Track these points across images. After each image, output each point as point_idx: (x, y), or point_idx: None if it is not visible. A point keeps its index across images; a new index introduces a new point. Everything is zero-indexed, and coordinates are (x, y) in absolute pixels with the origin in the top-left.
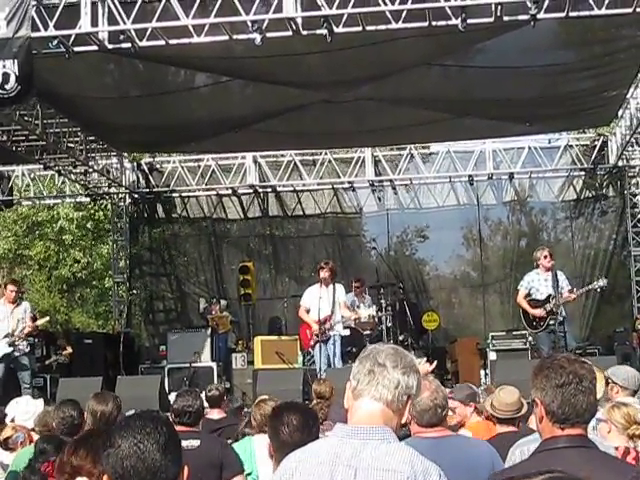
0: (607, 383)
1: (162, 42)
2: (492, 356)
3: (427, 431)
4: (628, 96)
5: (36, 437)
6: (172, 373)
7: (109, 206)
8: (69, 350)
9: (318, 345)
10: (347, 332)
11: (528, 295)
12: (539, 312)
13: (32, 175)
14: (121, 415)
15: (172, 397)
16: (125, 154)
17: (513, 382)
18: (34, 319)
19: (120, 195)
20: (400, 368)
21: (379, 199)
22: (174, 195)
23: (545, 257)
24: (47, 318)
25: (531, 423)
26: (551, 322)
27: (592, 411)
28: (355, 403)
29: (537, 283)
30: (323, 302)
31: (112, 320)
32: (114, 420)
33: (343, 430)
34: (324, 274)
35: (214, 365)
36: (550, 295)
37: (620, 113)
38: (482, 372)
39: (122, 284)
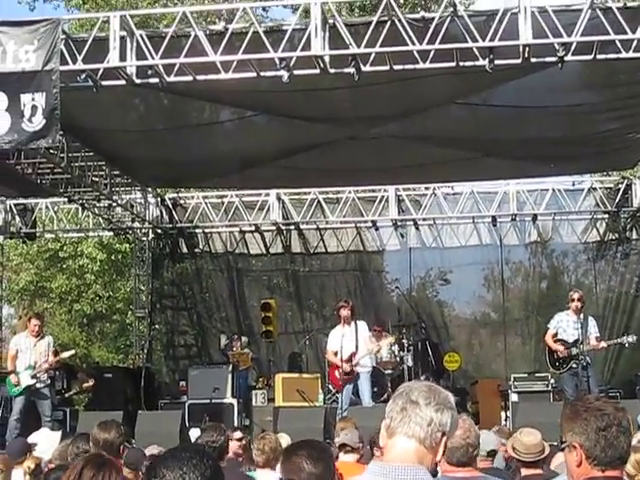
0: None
1: (190, 77)
2: (514, 398)
3: (457, 470)
4: None
5: None
6: (192, 409)
7: (131, 240)
8: (90, 383)
9: (346, 384)
10: (371, 370)
11: (555, 335)
12: (564, 351)
13: (56, 208)
14: (135, 450)
15: (192, 433)
16: (149, 189)
17: (535, 424)
18: (56, 353)
19: (143, 230)
20: (433, 405)
21: (402, 236)
22: (197, 231)
23: (578, 299)
24: (73, 351)
25: (552, 465)
26: (574, 365)
27: (630, 452)
28: (389, 441)
29: (565, 324)
30: (346, 340)
31: (132, 355)
32: (117, 449)
33: (376, 468)
34: (345, 312)
35: (235, 402)
36: (577, 340)
37: None
38: (503, 414)
39: (143, 319)
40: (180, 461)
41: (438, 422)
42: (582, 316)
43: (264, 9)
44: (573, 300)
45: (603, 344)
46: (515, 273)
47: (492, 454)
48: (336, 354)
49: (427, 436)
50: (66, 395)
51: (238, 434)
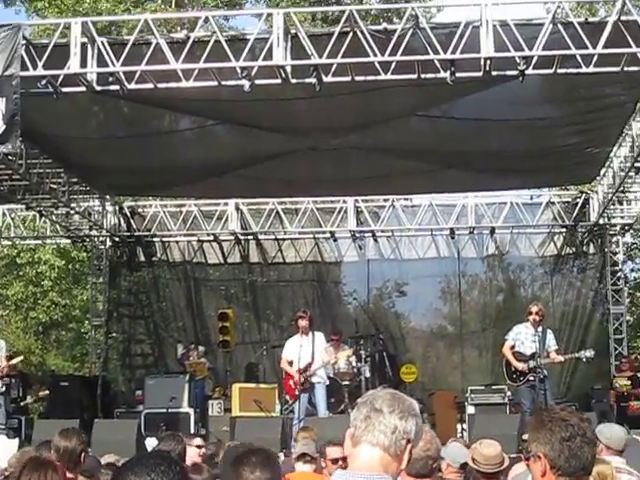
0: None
1: (150, 85)
2: (470, 410)
3: None
4: (612, 154)
5: None
6: (148, 418)
7: (89, 248)
8: (46, 392)
9: (301, 394)
10: (327, 381)
11: (513, 347)
12: (522, 366)
13: (13, 215)
14: (91, 458)
15: (148, 442)
16: (107, 197)
17: (492, 436)
18: (10, 358)
19: (101, 238)
20: (397, 413)
21: (360, 248)
22: (155, 239)
23: (536, 312)
24: (20, 357)
25: (509, 477)
26: (531, 378)
27: (594, 463)
28: (354, 450)
29: (524, 336)
30: (303, 350)
31: (88, 363)
32: (78, 457)
33: (342, 478)
34: (303, 322)
35: (191, 411)
36: (535, 353)
37: (603, 171)
38: (459, 426)
39: (100, 327)
40: (148, 467)
41: (402, 430)
42: (540, 329)
43: (226, 18)
44: (531, 313)
45: (561, 358)
46: (472, 286)
47: (464, 467)
48: (291, 363)
49: (391, 444)
50: (21, 403)
51: (198, 440)
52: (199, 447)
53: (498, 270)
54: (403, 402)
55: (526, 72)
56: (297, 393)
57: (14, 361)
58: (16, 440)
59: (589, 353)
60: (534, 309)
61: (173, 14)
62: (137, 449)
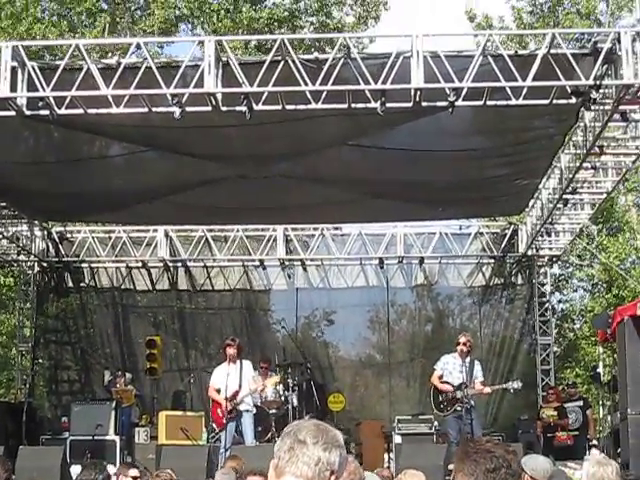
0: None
1: (81, 110)
2: (397, 440)
3: None
4: (540, 186)
5: None
6: (74, 445)
7: (16, 274)
8: None
9: (228, 422)
10: (254, 410)
11: (441, 377)
12: (450, 393)
13: None
14: None
15: (73, 469)
16: (36, 222)
17: (418, 466)
18: None
19: (29, 263)
20: (321, 444)
21: (289, 277)
22: (83, 265)
23: (464, 343)
24: None
25: None
26: (458, 408)
27: None
28: None
29: (451, 366)
30: (231, 379)
31: (14, 389)
32: None
33: None
34: (231, 350)
35: (117, 439)
36: (462, 383)
37: (531, 203)
38: (386, 456)
39: (27, 353)
40: None
41: (326, 461)
42: (468, 359)
43: (160, 45)
44: (459, 343)
45: (487, 389)
46: (401, 315)
47: None
48: (219, 391)
49: (315, 475)
50: None
51: (134, 472)
52: (134, 478)
53: (427, 300)
54: (327, 433)
55: (456, 103)
56: (224, 421)
57: None
58: None
59: (516, 385)
60: (462, 339)
61: (105, 40)
62: (62, 476)
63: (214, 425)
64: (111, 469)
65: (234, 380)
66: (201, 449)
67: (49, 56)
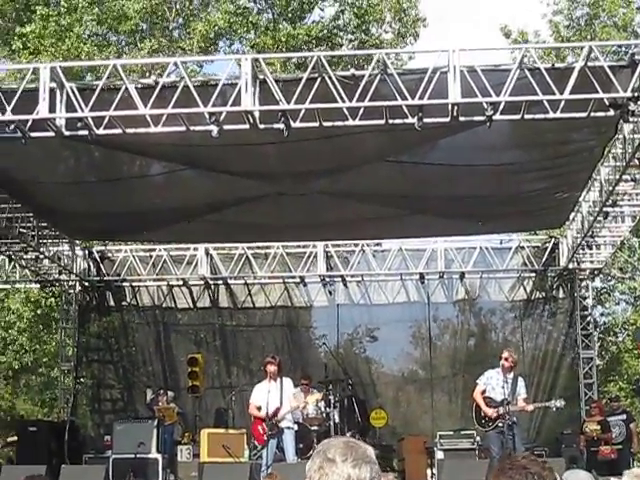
0: None
1: (119, 130)
2: (439, 455)
3: None
4: (580, 199)
5: None
6: (117, 464)
7: (58, 293)
8: (14, 438)
9: (269, 440)
10: (296, 426)
11: (483, 392)
12: (491, 412)
13: None
14: None
15: None
16: (77, 241)
17: None
18: None
19: (70, 282)
20: (350, 461)
21: (330, 293)
22: (124, 284)
23: (506, 359)
24: None
25: None
26: (500, 424)
27: None
28: None
29: (495, 382)
30: (271, 396)
31: (57, 408)
32: None
33: None
34: (271, 368)
35: (159, 457)
36: (505, 400)
37: (572, 216)
38: (429, 471)
39: (69, 372)
40: None
41: (356, 477)
42: (511, 375)
43: (200, 64)
44: (501, 358)
45: (530, 407)
46: (443, 330)
47: None
48: (259, 409)
49: None
50: None
51: None
52: None
53: (469, 314)
54: (357, 450)
55: (493, 117)
56: (265, 438)
57: None
58: None
59: (559, 403)
60: (504, 354)
61: (143, 60)
62: None
63: (255, 442)
64: None
65: (275, 397)
66: (243, 466)
67: (91, 76)
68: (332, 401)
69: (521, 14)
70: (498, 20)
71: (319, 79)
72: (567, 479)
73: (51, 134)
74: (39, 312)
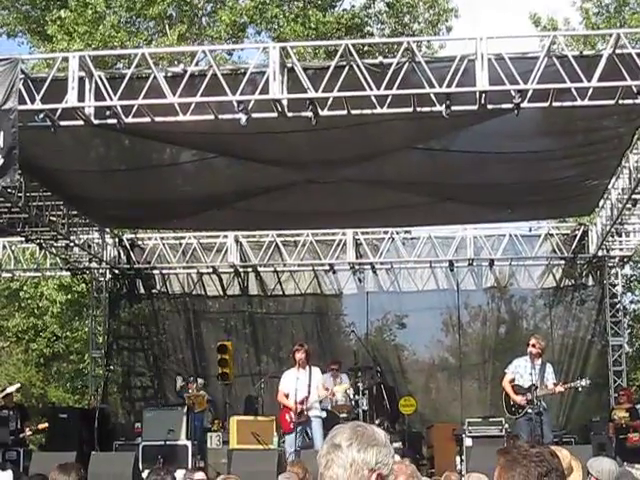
0: (588, 473)
1: (148, 119)
2: (468, 442)
3: None
4: (609, 186)
5: None
6: (146, 450)
7: (88, 281)
8: (44, 425)
9: (297, 427)
10: (324, 414)
11: (512, 380)
12: (520, 399)
13: (13, 247)
14: None
15: (146, 475)
16: (107, 229)
17: (488, 469)
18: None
19: (101, 270)
20: (355, 446)
21: (359, 281)
22: (154, 272)
23: (533, 345)
24: (17, 385)
25: None
26: (529, 411)
27: None
28: None
29: (523, 369)
30: (300, 384)
31: (88, 395)
32: None
33: None
34: (300, 355)
35: (189, 444)
36: (533, 385)
37: (601, 203)
38: (457, 458)
39: (100, 360)
40: None
41: (361, 461)
42: (539, 362)
43: (229, 52)
44: (528, 345)
45: (560, 388)
46: (473, 318)
47: None
48: (287, 396)
49: (350, 476)
50: (20, 435)
51: (200, 475)
52: None
53: (500, 302)
54: (363, 434)
55: (521, 105)
56: (292, 426)
57: (10, 389)
58: (9, 472)
59: (584, 382)
60: (532, 341)
61: (171, 48)
62: None
63: (282, 430)
64: (180, 473)
65: (303, 385)
66: (272, 453)
67: (122, 64)
68: (361, 388)
69: (551, 1)
70: (528, 7)
71: (347, 67)
72: (592, 466)
73: (80, 123)
74: (70, 297)
